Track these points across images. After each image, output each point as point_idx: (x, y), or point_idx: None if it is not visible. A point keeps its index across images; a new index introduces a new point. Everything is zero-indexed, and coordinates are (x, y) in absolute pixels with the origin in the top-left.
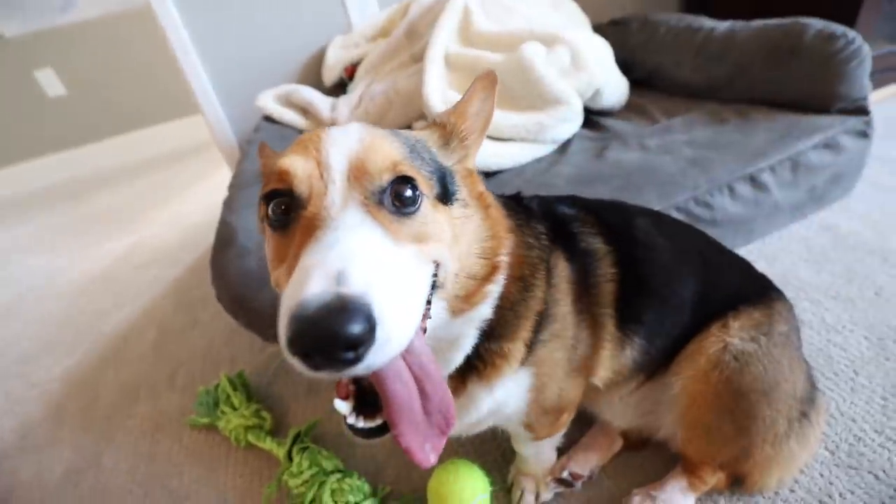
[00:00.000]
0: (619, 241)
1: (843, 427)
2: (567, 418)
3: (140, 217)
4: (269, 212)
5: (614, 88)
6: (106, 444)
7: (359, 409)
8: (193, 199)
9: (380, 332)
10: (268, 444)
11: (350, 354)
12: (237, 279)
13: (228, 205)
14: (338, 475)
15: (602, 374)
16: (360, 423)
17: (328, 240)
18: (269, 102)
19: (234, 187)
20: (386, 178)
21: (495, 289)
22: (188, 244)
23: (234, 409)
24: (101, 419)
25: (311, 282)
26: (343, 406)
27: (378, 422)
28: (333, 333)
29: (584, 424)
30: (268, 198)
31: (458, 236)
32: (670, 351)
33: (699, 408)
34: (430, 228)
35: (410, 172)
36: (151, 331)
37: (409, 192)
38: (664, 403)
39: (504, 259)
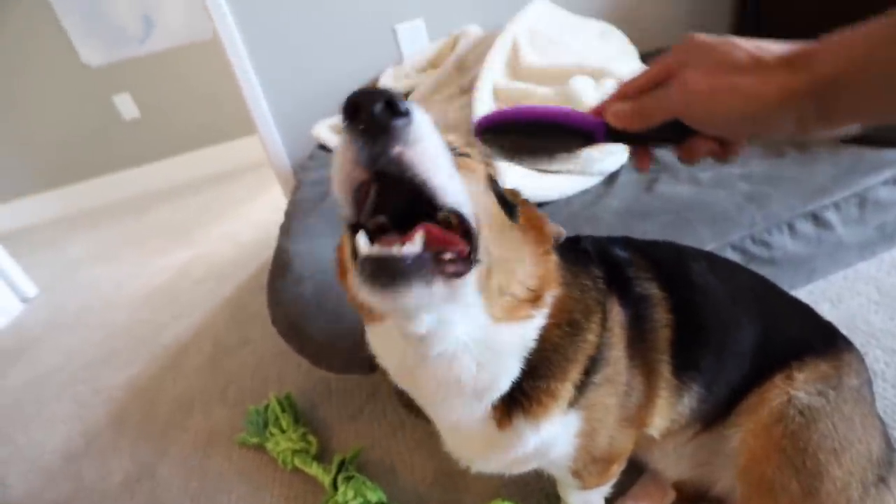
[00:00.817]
0: (674, 286)
1: None
2: (617, 469)
3: (198, 232)
4: None
5: None
6: (161, 456)
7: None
8: (246, 216)
9: (415, 128)
10: (314, 469)
11: (386, 115)
12: (292, 306)
13: (285, 231)
14: None
15: (658, 422)
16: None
17: None
18: (323, 132)
19: (289, 215)
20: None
21: (536, 315)
22: (241, 262)
23: (283, 431)
24: (158, 430)
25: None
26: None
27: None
28: (379, 92)
29: (634, 473)
30: None
31: (506, 238)
32: (730, 400)
33: (760, 464)
34: (470, 171)
35: (466, 150)
36: (207, 345)
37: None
38: (722, 456)
39: (548, 298)
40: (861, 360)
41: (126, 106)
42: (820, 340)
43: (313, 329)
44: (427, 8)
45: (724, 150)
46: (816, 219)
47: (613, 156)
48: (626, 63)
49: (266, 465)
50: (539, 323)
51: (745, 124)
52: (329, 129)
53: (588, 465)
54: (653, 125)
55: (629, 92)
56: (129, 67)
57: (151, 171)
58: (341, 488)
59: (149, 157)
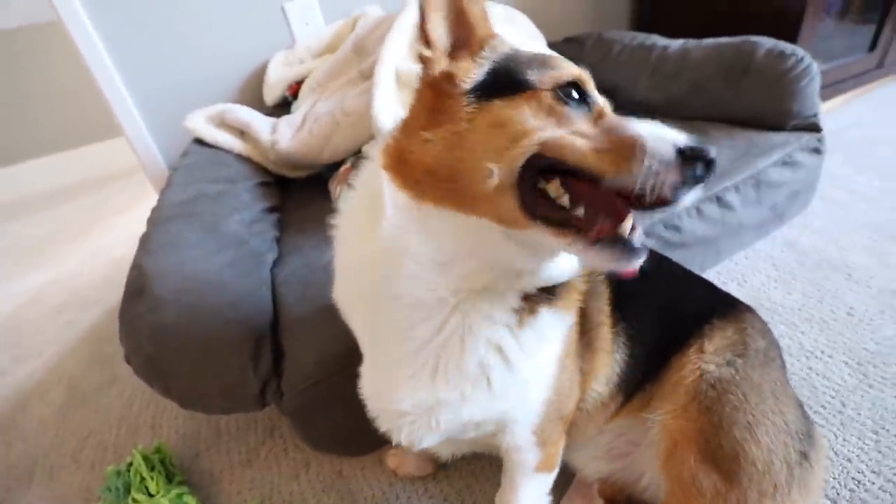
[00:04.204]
0: None
1: (840, 469)
2: (560, 446)
3: (56, 251)
4: (563, 90)
5: None
6: None
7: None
8: (118, 230)
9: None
10: None
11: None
12: (150, 338)
13: (144, 244)
14: None
15: (595, 386)
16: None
17: (640, 122)
18: (199, 124)
19: (152, 222)
20: None
21: None
22: (111, 283)
23: (150, 496)
24: None
25: (679, 137)
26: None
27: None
28: (710, 156)
29: (562, 485)
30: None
31: None
32: (648, 369)
33: (682, 449)
34: None
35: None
36: (58, 391)
37: None
38: (644, 445)
39: None
40: (762, 321)
41: None
42: (722, 304)
43: (179, 365)
44: None
45: None
46: (720, 201)
47: None
48: (534, 48)
49: None
50: None
51: None
52: (206, 121)
53: (549, 424)
54: None
55: None
56: None
57: None
58: None
59: None
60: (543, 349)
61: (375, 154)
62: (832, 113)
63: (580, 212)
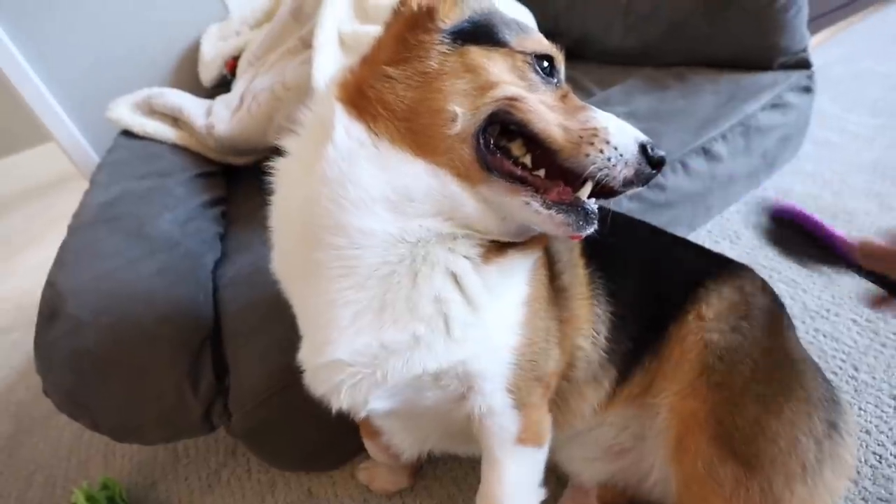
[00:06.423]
0: None
1: (859, 443)
2: (544, 413)
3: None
4: (537, 61)
5: None
6: None
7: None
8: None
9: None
10: None
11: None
12: (69, 366)
13: (59, 257)
14: None
15: (579, 341)
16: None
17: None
18: (124, 113)
19: (71, 230)
20: None
21: None
22: None
23: None
24: None
25: (641, 135)
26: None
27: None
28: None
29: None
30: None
31: None
32: (639, 334)
33: (693, 435)
34: None
35: None
36: (5, 421)
37: None
38: (650, 437)
39: None
40: (760, 277)
41: None
42: (714, 265)
43: (104, 396)
44: None
45: None
46: (707, 152)
47: None
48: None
49: None
50: None
51: None
52: (132, 109)
53: (524, 382)
54: None
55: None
56: None
57: None
58: None
59: None
60: (510, 290)
61: (328, 86)
62: (814, 50)
63: (541, 172)
